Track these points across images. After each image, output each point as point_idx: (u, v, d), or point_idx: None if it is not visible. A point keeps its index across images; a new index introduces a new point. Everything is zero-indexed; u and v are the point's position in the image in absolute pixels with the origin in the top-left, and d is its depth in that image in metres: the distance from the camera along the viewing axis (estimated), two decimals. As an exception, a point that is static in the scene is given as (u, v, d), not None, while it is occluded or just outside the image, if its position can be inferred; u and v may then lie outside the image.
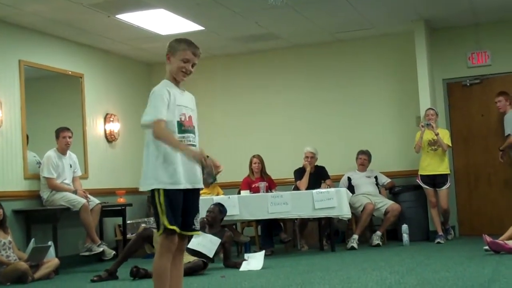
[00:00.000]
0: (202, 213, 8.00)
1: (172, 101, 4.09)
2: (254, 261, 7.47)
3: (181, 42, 4.21)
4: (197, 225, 4.24)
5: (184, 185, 4.08)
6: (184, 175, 4.08)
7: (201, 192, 9.62)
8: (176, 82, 4.21)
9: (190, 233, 4.20)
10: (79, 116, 9.80)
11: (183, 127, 4.12)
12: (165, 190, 4.03)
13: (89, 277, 7.18)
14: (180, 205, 4.09)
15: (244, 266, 7.38)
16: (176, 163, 4.04)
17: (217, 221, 7.81)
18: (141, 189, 4.12)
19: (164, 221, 4.01)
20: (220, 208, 7.89)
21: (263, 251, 7.75)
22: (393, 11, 9.36)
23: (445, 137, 9.42)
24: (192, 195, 4.17)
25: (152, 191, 4.06)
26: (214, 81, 11.48)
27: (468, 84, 10.27)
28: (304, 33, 10.27)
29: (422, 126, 9.32)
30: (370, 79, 10.78)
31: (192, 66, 4.20)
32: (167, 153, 4.04)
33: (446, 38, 10.40)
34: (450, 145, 9.51)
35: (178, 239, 4.12)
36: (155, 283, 4.10)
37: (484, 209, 9.99)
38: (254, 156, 9.91)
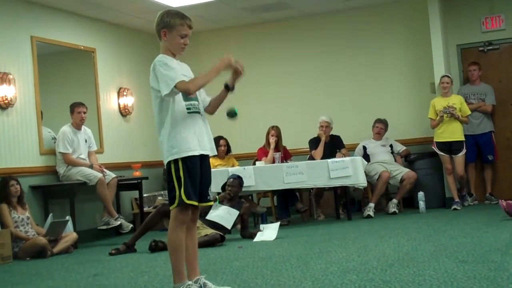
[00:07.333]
0: (218, 184, 8.03)
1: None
2: (268, 231, 7.48)
3: (174, 17, 4.13)
4: (210, 195, 4.20)
5: (198, 151, 4.03)
6: (196, 141, 4.03)
7: (216, 164, 9.63)
8: (173, 55, 4.17)
9: (204, 205, 4.15)
10: (93, 91, 9.81)
11: (188, 95, 4.08)
12: (183, 159, 3.97)
13: (107, 250, 7.24)
14: (199, 174, 4.03)
15: (258, 237, 7.41)
16: (186, 131, 3.99)
17: (237, 194, 7.83)
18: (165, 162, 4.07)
19: (182, 195, 3.95)
20: (239, 182, 7.88)
21: (278, 223, 7.77)
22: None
23: (462, 105, 9.34)
24: (203, 163, 4.09)
25: (169, 163, 4.00)
26: (226, 52, 11.36)
27: (485, 51, 10.13)
28: (316, 1, 10.18)
29: (441, 116, 9.22)
30: (383, 47, 10.69)
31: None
32: (174, 122, 3.99)
33: (459, 3, 10.28)
34: (470, 112, 9.41)
35: (192, 210, 4.08)
36: (171, 256, 4.07)
37: (504, 175, 9.90)
38: (272, 128, 9.66)
